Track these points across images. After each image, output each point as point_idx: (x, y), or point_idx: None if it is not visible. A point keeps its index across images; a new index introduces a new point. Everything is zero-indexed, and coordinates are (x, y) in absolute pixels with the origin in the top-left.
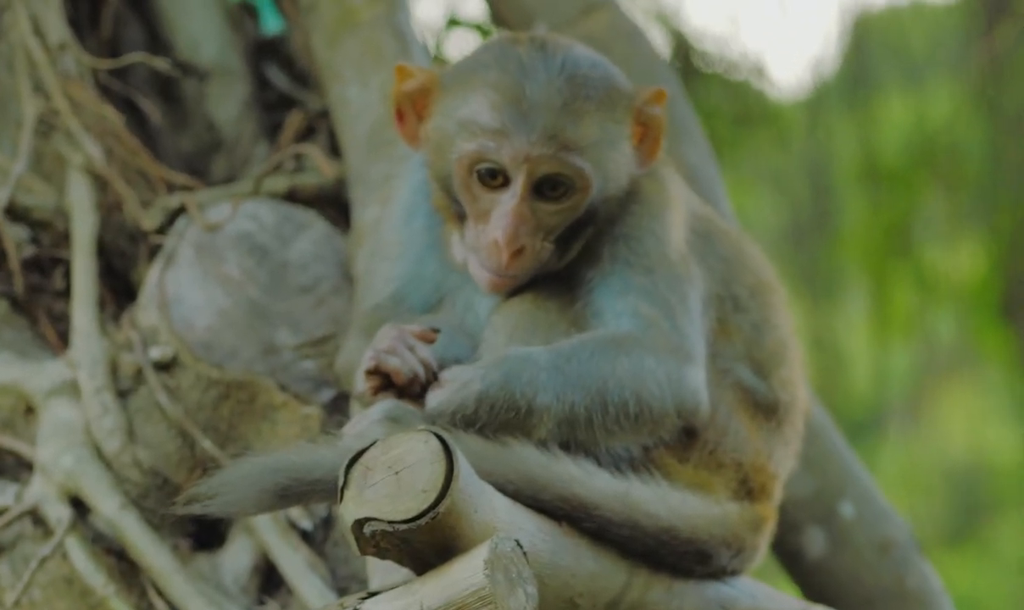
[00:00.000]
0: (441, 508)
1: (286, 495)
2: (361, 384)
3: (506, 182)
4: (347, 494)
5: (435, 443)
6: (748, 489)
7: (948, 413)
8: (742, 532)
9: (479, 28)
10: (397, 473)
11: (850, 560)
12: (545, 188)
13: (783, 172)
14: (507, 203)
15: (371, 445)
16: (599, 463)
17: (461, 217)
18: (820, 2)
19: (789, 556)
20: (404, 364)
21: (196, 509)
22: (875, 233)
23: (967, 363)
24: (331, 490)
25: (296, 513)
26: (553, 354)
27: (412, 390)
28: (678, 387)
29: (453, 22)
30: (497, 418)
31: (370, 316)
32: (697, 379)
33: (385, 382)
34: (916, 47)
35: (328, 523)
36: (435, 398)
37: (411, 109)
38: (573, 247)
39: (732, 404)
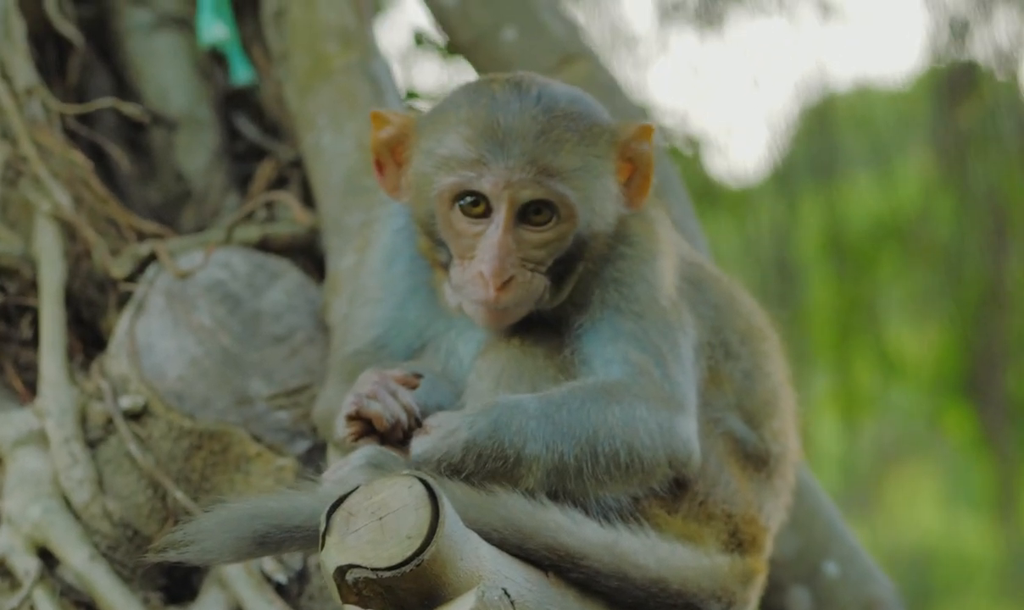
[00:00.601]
0: (426, 555)
1: (265, 542)
2: (342, 430)
3: (488, 212)
4: (329, 540)
5: (420, 488)
6: (738, 541)
7: (908, 494)
8: (732, 585)
9: (443, 50)
10: (381, 519)
11: None
12: (529, 215)
13: (745, 250)
14: (491, 234)
15: (354, 490)
16: (587, 513)
17: (447, 261)
18: (784, 81)
19: None
20: (386, 409)
21: (171, 556)
22: (839, 312)
23: (928, 444)
24: (311, 537)
25: (271, 566)
26: (543, 402)
27: (394, 436)
28: (669, 437)
29: (419, 40)
30: (484, 467)
31: (350, 362)
32: (688, 429)
33: (366, 428)
34: (882, 125)
35: (303, 576)
36: (420, 445)
37: (389, 157)
38: (565, 285)
39: (722, 454)
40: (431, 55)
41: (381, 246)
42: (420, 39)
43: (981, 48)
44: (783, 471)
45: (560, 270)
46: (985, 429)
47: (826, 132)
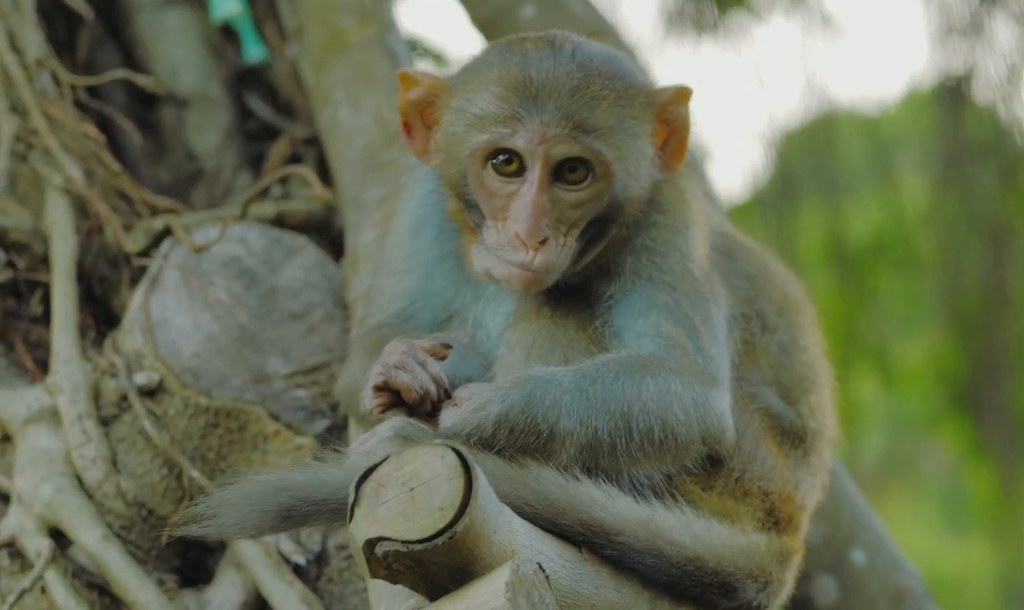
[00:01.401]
0: (459, 527)
1: (290, 516)
2: (368, 401)
3: (522, 171)
4: (358, 512)
5: (452, 458)
6: (775, 519)
7: (906, 504)
8: (769, 565)
9: (437, 58)
10: (412, 490)
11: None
12: (564, 173)
13: None
14: (526, 193)
15: (384, 460)
16: (620, 489)
17: (479, 224)
18: (785, 93)
19: (799, 605)
20: (415, 380)
21: (191, 531)
22: (838, 322)
23: (926, 454)
24: (338, 511)
25: (289, 547)
26: (577, 376)
27: (422, 408)
28: (704, 412)
29: (414, 46)
30: (516, 441)
31: (374, 334)
32: (722, 404)
33: (394, 399)
34: (883, 137)
35: (322, 558)
36: (450, 417)
37: (418, 120)
38: (594, 249)
39: (758, 430)
40: (427, 62)
41: (408, 213)
42: (415, 46)
43: (980, 60)
44: (820, 448)
45: (593, 233)
46: (984, 440)
47: (827, 144)
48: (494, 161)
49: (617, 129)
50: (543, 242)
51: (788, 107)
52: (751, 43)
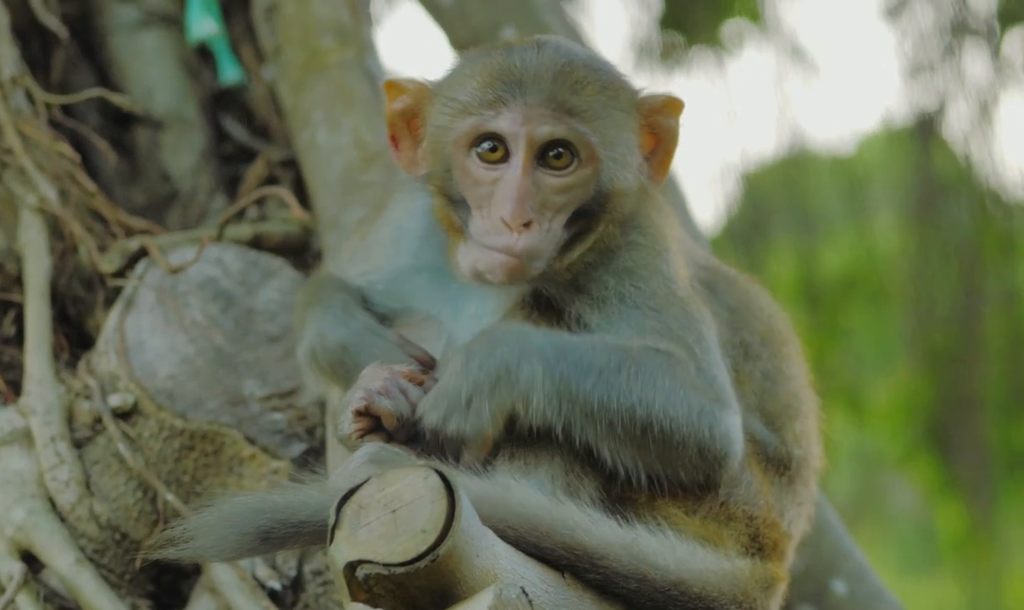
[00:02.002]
0: (442, 550)
1: (268, 538)
2: (348, 426)
3: (507, 157)
4: (338, 534)
5: (435, 480)
6: (759, 545)
7: (877, 538)
8: (753, 591)
9: None
10: (394, 512)
11: None
12: (549, 158)
13: None
14: (510, 176)
15: (364, 482)
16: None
17: (465, 221)
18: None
19: None
20: (396, 407)
21: (168, 554)
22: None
23: (896, 490)
24: (318, 533)
25: (265, 572)
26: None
27: (399, 435)
28: (702, 422)
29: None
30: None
31: (328, 287)
32: (729, 423)
33: (373, 424)
34: (853, 175)
35: (298, 584)
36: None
37: (405, 130)
38: (583, 244)
39: (744, 456)
40: None
41: (390, 223)
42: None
43: (951, 97)
44: (805, 477)
45: (580, 227)
46: (953, 477)
47: (799, 179)
48: (479, 149)
49: (603, 115)
50: (527, 225)
51: (761, 142)
52: (723, 77)
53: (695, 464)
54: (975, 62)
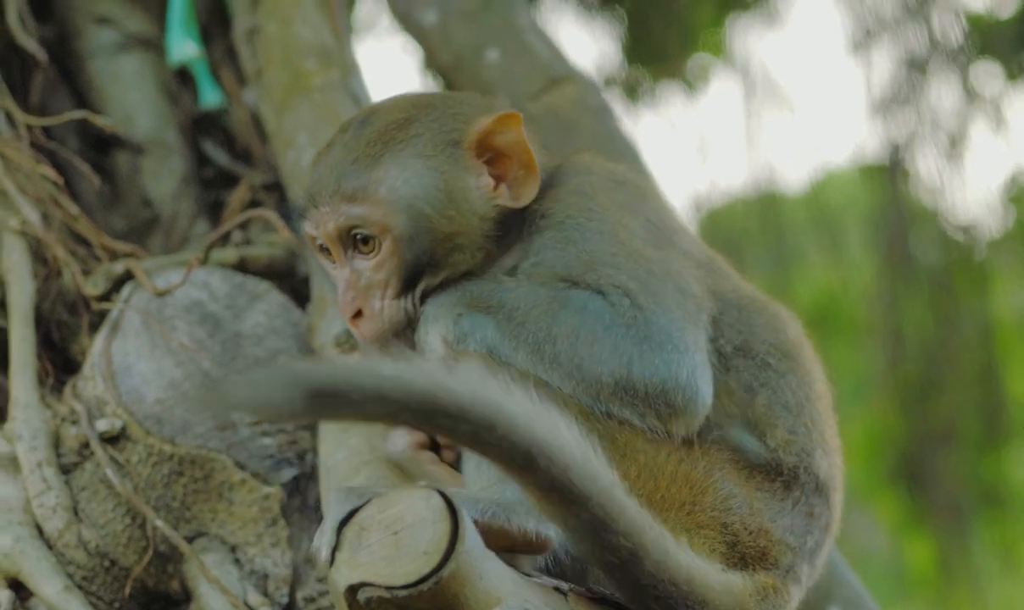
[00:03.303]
0: (445, 572)
1: (321, 395)
2: (401, 441)
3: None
4: (339, 557)
5: (438, 501)
6: (740, 554)
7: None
8: (748, 603)
9: None
10: (396, 533)
11: None
12: (357, 245)
13: None
14: (334, 275)
15: (365, 503)
16: None
17: None
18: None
19: None
20: None
21: (218, 411)
22: None
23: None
24: (372, 403)
25: (256, 599)
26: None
27: (447, 455)
28: (653, 362)
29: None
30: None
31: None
32: (680, 365)
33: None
34: (825, 208)
35: None
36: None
37: None
38: (453, 267)
39: (714, 462)
40: None
41: None
42: None
43: (919, 133)
44: (805, 483)
45: (431, 270)
46: (922, 512)
47: (770, 213)
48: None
49: (389, 178)
50: (357, 314)
51: (730, 177)
52: (691, 112)
53: (634, 406)
54: (943, 96)
